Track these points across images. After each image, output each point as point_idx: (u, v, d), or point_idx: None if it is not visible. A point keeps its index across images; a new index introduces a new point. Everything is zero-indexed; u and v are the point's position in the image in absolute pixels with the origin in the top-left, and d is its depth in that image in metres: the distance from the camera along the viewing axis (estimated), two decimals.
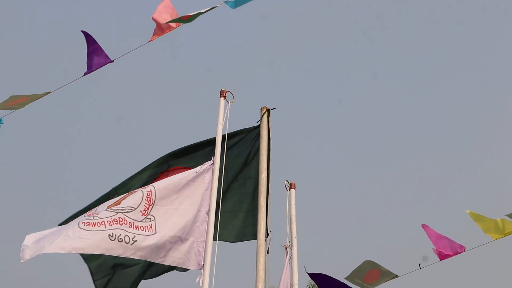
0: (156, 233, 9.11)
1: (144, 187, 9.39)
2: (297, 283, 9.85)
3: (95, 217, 8.89)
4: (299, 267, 9.96)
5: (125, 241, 8.91)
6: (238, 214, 9.91)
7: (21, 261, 8.51)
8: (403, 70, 53.33)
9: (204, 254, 9.01)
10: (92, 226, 8.83)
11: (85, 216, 9.02)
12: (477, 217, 8.55)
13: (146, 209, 9.19)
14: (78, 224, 8.82)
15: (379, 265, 9.24)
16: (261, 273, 9.26)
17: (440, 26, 54.58)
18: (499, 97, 52.55)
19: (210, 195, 9.25)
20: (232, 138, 9.94)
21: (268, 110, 10.06)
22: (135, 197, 9.18)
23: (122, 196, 9.29)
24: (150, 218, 9.17)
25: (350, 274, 9.65)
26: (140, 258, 9.07)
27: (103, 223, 8.88)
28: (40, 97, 8.63)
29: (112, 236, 8.86)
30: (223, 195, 9.72)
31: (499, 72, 53.63)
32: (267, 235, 9.50)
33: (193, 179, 9.42)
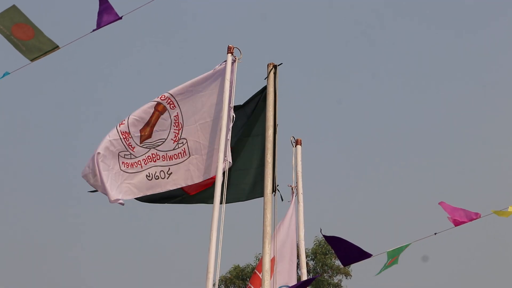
0: (190, 156, 9.60)
1: (168, 102, 9.64)
2: (303, 238, 9.92)
3: (132, 156, 9.55)
4: (305, 221, 10.04)
5: (161, 177, 9.56)
6: (248, 172, 9.90)
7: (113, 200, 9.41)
8: (403, 70, 53.13)
9: (212, 219, 9.05)
10: (131, 167, 9.55)
11: (124, 145, 9.59)
12: (501, 213, 8.75)
13: (176, 135, 9.65)
14: (119, 165, 9.52)
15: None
16: (268, 229, 9.30)
17: (440, 26, 54.26)
18: (499, 96, 52.27)
19: (218, 163, 9.33)
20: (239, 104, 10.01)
21: (275, 66, 10.01)
22: (165, 124, 9.64)
23: (152, 117, 9.64)
24: (182, 142, 9.64)
25: None
26: (182, 186, 9.58)
27: (139, 162, 9.56)
28: (48, 51, 8.57)
29: (149, 176, 9.56)
30: (233, 153, 9.73)
31: (499, 72, 53.35)
32: (274, 190, 9.53)
33: (214, 85, 9.70)
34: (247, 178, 9.85)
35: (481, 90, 52.28)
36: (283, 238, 10.17)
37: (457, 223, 8.78)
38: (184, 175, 9.56)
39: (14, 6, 8.42)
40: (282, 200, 9.68)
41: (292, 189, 10.32)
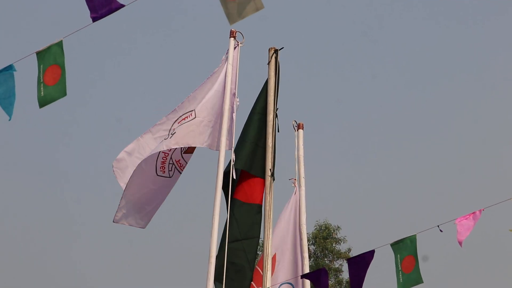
0: (195, 117, 9.51)
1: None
2: (304, 223, 9.93)
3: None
4: (307, 207, 10.03)
5: (164, 138, 9.52)
6: (251, 145, 9.81)
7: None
8: (402, 69, 53.00)
9: (214, 203, 9.04)
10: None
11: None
12: None
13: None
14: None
15: None
16: (269, 212, 9.38)
17: (440, 26, 54.06)
18: (499, 96, 52.14)
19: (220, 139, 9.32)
20: None
21: (276, 51, 10.03)
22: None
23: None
24: (191, 109, 9.60)
25: None
26: (183, 146, 9.48)
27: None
28: (62, 53, 8.31)
29: (156, 138, 9.65)
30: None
31: (499, 71, 53.19)
32: (271, 174, 9.55)
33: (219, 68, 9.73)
34: (244, 149, 9.77)
35: (481, 88, 52.21)
36: (284, 233, 10.10)
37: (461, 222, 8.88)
38: (186, 135, 9.47)
39: (60, 42, 8.15)
40: (274, 180, 9.68)
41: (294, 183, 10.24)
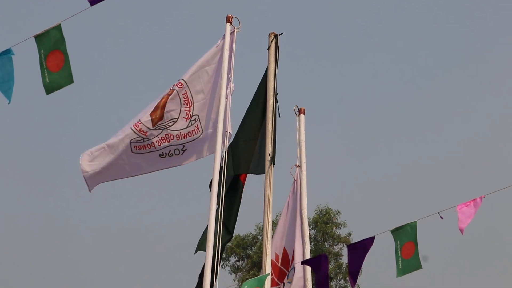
0: (203, 131, 9.54)
1: (177, 84, 9.59)
2: (305, 207, 9.94)
3: (144, 140, 9.49)
4: (308, 192, 10.04)
5: (175, 154, 9.54)
6: (248, 143, 9.86)
7: (90, 192, 9.61)
8: (402, 69, 52.83)
9: (211, 188, 9.02)
10: (143, 149, 9.54)
11: (135, 132, 9.50)
12: None
13: (187, 113, 9.57)
14: (131, 148, 9.50)
15: None
16: (269, 197, 9.39)
17: (440, 25, 53.89)
18: (499, 93, 51.98)
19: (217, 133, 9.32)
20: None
21: (276, 36, 10.01)
22: (174, 104, 9.55)
23: (161, 101, 9.54)
24: (194, 119, 9.57)
25: None
26: (194, 160, 9.54)
27: (152, 144, 9.51)
28: (62, 38, 8.20)
29: (163, 155, 9.54)
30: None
31: (499, 69, 53.01)
32: (271, 159, 9.54)
33: (217, 58, 9.63)
34: (247, 149, 9.79)
35: (479, 85, 52.12)
36: (285, 220, 10.13)
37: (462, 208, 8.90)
38: (198, 150, 9.54)
39: (59, 26, 8.07)
40: (274, 164, 9.66)
41: (297, 168, 10.23)
